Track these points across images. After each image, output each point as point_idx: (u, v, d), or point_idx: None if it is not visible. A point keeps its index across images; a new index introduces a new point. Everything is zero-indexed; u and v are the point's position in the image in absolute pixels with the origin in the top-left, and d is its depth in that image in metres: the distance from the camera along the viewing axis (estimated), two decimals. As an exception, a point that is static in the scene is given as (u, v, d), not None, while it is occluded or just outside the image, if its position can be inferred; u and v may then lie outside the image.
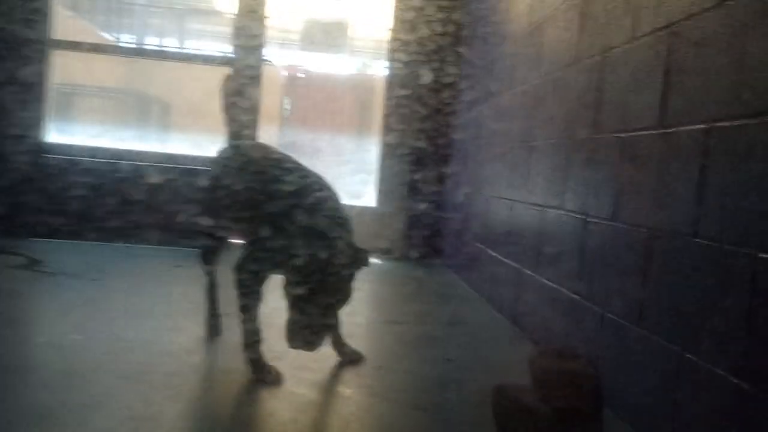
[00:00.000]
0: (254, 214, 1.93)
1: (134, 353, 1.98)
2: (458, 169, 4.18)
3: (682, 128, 1.58)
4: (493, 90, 3.39)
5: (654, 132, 1.72)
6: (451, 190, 4.29)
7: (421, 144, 4.40)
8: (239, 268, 1.87)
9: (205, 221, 1.75)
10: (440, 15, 4.32)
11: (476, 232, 3.49)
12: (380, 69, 4.97)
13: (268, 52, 4.44)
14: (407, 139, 4.41)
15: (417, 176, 4.41)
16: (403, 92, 4.39)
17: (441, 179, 4.41)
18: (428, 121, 4.39)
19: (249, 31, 4.25)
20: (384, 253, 4.52)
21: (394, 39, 4.40)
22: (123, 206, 4.09)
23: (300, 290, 1.74)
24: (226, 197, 2.09)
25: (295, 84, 4.77)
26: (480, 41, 3.84)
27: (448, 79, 4.33)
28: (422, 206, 4.41)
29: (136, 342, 2.08)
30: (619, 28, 1.96)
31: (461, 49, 4.28)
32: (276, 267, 1.83)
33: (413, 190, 4.43)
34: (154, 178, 4.09)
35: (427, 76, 4.29)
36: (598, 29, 2.12)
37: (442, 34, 4.33)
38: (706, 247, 1.45)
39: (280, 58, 5.02)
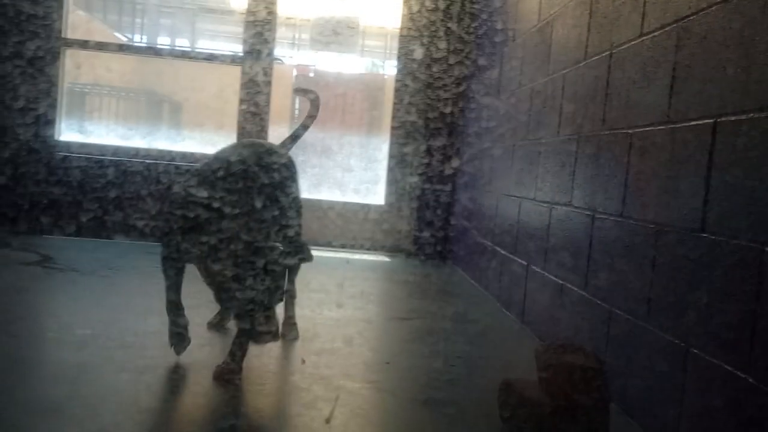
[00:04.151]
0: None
1: (143, 347, 2.00)
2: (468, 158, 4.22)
3: (690, 123, 1.58)
4: (502, 85, 3.39)
5: (661, 127, 1.71)
6: (461, 178, 4.36)
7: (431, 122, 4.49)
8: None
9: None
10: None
11: (484, 229, 3.49)
12: (390, 68, 4.98)
13: (279, 51, 4.46)
14: (419, 128, 4.49)
15: (429, 146, 4.50)
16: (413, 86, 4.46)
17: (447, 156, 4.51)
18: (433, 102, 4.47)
19: (260, 30, 4.27)
20: (392, 250, 4.53)
21: (404, 28, 4.46)
22: (134, 204, 4.13)
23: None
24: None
25: (305, 83, 4.79)
26: (469, 17, 3.89)
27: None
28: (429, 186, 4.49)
29: (145, 336, 2.10)
30: (628, 24, 1.96)
31: (452, 25, 4.35)
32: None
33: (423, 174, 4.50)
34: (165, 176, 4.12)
35: (418, 52, 4.38)
36: (607, 25, 2.11)
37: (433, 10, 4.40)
38: (713, 242, 1.45)
39: (290, 57, 5.03)
